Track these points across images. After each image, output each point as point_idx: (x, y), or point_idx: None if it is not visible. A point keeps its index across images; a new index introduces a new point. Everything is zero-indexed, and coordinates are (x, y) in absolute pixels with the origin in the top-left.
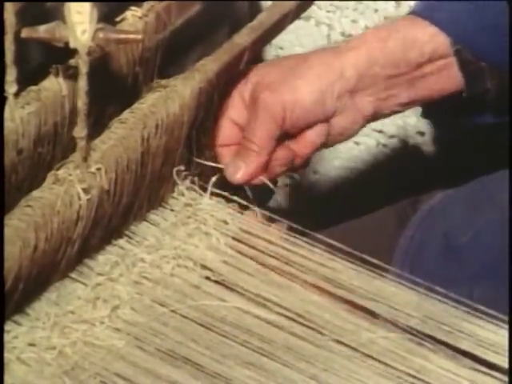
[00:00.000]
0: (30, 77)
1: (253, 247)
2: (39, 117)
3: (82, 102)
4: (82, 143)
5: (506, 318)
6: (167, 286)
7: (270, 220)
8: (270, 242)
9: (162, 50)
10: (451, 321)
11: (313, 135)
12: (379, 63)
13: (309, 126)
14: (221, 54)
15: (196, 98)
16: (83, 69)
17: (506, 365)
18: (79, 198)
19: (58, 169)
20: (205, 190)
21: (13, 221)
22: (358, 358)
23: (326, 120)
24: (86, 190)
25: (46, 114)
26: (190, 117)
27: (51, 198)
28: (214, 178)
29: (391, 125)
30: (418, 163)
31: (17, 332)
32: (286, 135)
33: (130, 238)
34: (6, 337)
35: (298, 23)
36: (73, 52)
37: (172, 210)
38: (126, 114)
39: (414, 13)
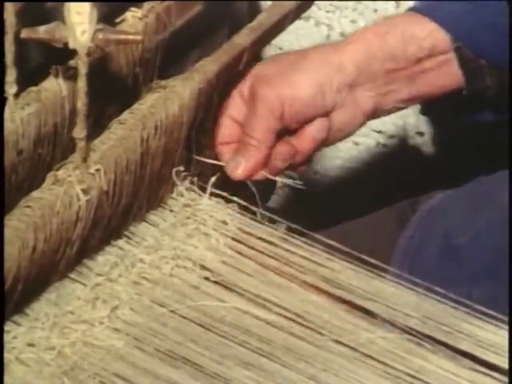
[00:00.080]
0: (29, 77)
1: (252, 248)
2: (39, 117)
3: (81, 103)
4: (81, 144)
5: (505, 318)
6: (166, 287)
7: (270, 220)
8: (269, 242)
9: (161, 50)
10: (450, 321)
11: (313, 130)
12: (378, 57)
13: (308, 121)
14: (220, 55)
15: (195, 99)
16: (83, 69)
17: (505, 365)
18: (78, 199)
19: (57, 169)
20: (204, 190)
21: (12, 221)
22: (357, 358)
23: (326, 114)
24: (85, 191)
25: (45, 114)
26: (190, 117)
27: (50, 199)
28: (213, 179)
29: (391, 125)
30: (418, 163)
31: (16, 332)
32: (286, 130)
33: (129, 238)
34: (6, 337)
35: (297, 23)
36: (72, 53)
37: (171, 211)
38: (125, 115)
39: (413, 10)
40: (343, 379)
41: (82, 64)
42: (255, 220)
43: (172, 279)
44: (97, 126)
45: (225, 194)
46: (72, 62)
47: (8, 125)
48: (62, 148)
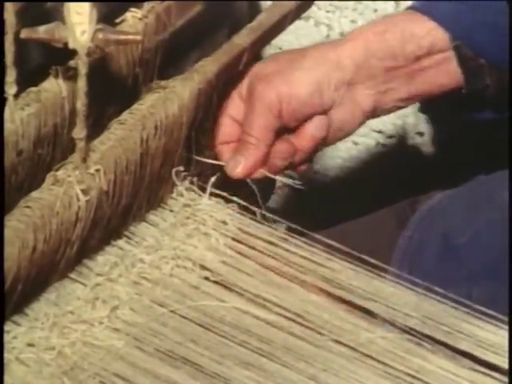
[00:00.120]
0: (29, 78)
1: (252, 248)
2: (39, 118)
3: (81, 103)
4: (81, 144)
5: (505, 318)
6: (166, 287)
7: (270, 220)
8: (269, 242)
9: (161, 51)
10: (450, 321)
11: (312, 128)
12: (376, 55)
13: (307, 119)
14: (220, 55)
15: (195, 99)
16: (82, 70)
17: (505, 365)
18: (78, 199)
19: (57, 170)
20: (204, 190)
21: (12, 222)
22: (357, 358)
23: (324, 112)
24: (85, 191)
25: (45, 115)
26: (189, 118)
27: (50, 199)
28: (213, 179)
29: (390, 125)
30: (417, 163)
31: (16, 332)
32: (285, 129)
33: (129, 238)
34: (6, 337)
35: (297, 23)
36: (72, 53)
37: (171, 211)
38: (125, 115)
39: (412, 8)
40: (343, 379)
41: (81, 64)
42: (255, 220)
43: (172, 279)
44: (96, 127)
45: (224, 194)
46: (72, 63)
47: (8, 125)
48: (62, 148)
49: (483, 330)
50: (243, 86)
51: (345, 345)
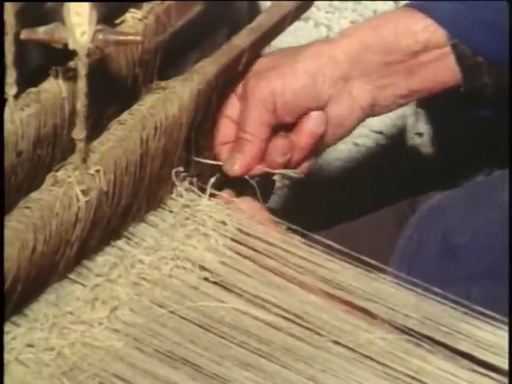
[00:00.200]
0: (29, 78)
1: (251, 248)
2: (39, 119)
3: (81, 104)
4: (80, 145)
5: (504, 319)
6: (166, 287)
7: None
8: (268, 243)
9: (161, 51)
10: (449, 322)
11: (310, 123)
12: (371, 49)
13: (303, 113)
14: (219, 56)
15: (195, 100)
16: (82, 70)
17: (504, 366)
18: (78, 200)
19: (56, 170)
20: (203, 191)
21: (11, 222)
22: (357, 358)
23: (321, 107)
24: (84, 192)
25: (45, 115)
26: (189, 118)
27: (50, 200)
28: (212, 179)
29: (390, 126)
30: (417, 164)
31: (15, 333)
32: (283, 125)
33: (128, 239)
34: (5, 338)
35: (296, 24)
36: (72, 54)
37: (171, 212)
38: (124, 116)
39: (408, 5)
40: (342, 380)
41: (81, 65)
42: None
43: (171, 280)
44: (96, 127)
45: (224, 194)
46: (72, 63)
47: (8, 126)
48: (62, 149)
49: (482, 330)
50: (240, 87)
51: (344, 345)
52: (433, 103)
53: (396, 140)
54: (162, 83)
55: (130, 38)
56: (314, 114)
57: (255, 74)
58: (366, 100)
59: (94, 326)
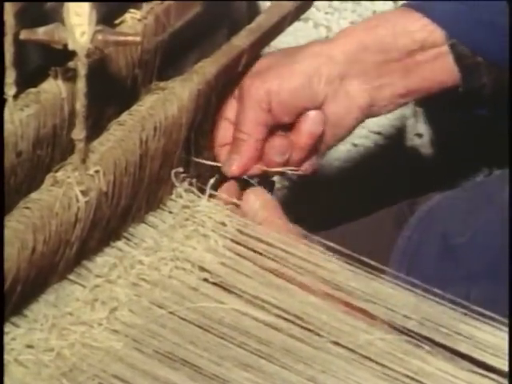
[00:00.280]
0: (29, 79)
1: (251, 249)
2: (38, 119)
3: (80, 104)
4: (80, 145)
5: (504, 320)
6: (165, 288)
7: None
8: (267, 243)
9: (161, 52)
10: (449, 323)
11: (308, 123)
12: (368, 49)
13: (299, 113)
14: (219, 56)
15: (194, 100)
16: (82, 71)
17: (504, 367)
18: (77, 200)
19: (56, 171)
20: (203, 192)
21: (11, 222)
22: (356, 359)
23: (318, 107)
24: (84, 192)
25: (45, 116)
26: (189, 119)
27: (49, 200)
28: (212, 180)
29: (389, 126)
30: (416, 165)
31: (15, 334)
32: (281, 126)
33: (128, 239)
34: (5, 339)
35: (296, 25)
36: (72, 54)
37: (170, 212)
38: (124, 116)
39: (406, 5)
40: (342, 381)
41: (81, 65)
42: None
43: (171, 281)
44: (96, 128)
45: (224, 195)
46: (71, 64)
47: (7, 126)
48: (61, 149)
49: (482, 331)
50: (237, 88)
51: (343, 346)
52: (432, 103)
53: (395, 141)
54: (162, 84)
55: (130, 38)
56: (312, 114)
57: (251, 75)
58: (363, 99)
59: (93, 326)
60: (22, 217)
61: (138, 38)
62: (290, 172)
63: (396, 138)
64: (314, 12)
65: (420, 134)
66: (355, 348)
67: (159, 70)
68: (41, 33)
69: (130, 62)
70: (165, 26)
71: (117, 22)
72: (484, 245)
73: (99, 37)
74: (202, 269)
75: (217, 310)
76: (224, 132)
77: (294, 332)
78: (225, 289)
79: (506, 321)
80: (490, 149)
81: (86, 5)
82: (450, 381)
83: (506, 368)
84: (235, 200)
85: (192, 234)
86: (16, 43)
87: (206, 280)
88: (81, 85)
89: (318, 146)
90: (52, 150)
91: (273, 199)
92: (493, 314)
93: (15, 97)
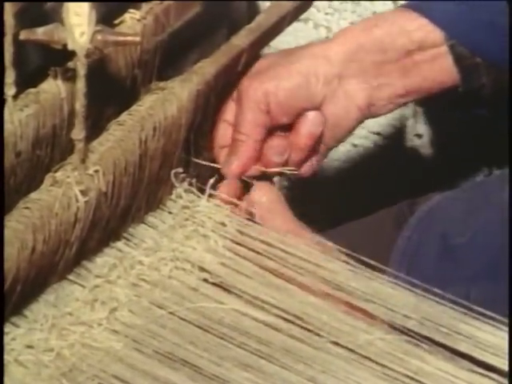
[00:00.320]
0: (28, 79)
1: (251, 249)
2: (38, 119)
3: (80, 104)
4: (79, 145)
5: (504, 319)
6: (165, 289)
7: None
8: (267, 244)
9: (160, 52)
10: (449, 322)
11: (307, 123)
12: (366, 49)
13: (298, 113)
14: (219, 56)
15: (194, 101)
16: (81, 71)
17: (504, 367)
18: (77, 200)
19: (56, 171)
20: (202, 192)
21: (11, 222)
22: (356, 359)
23: (316, 107)
24: (83, 192)
25: (44, 116)
26: (188, 119)
27: (49, 200)
28: (211, 180)
29: (389, 127)
30: (416, 165)
31: (15, 334)
32: (280, 127)
33: (127, 240)
34: (4, 339)
35: (296, 25)
36: (71, 54)
37: (170, 213)
38: (123, 116)
39: (404, 6)
40: (342, 381)
41: (80, 65)
42: (254, 221)
43: (171, 281)
44: (95, 128)
45: (223, 195)
46: (71, 64)
47: (7, 126)
48: (61, 150)
49: (482, 331)
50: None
51: (343, 346)
52: (432, 103)
53: (395, 141)
54: (161, 84)
55: (129, 38)
56: (312, 115)
57: (249, 76)
58: (361, 99)
59: (93, 326)
60: (22, 217)
61: (137, 38)
62: (288, 172)
63: (396, 138)
64: (314, 13)
65: (420, 134)
66: (355, 348)
67: (159, 70)
68: (40, 33)
69: (129, 62)
70: (164, 26)
71: (116, 22)
72: (484, 245)
73: (99, 37)
74: (202, 269)
75: (217, 311)
76: (223, 134)
77: (294, 332)
78: (225, 289)
79: (506, 320)
80: (489, 149)
81: (86, 5)
82: (450, 380)
83: (506, 368)
84: (235, 200)
85: (192, 234)
86: (15, 43)
87: (205, 280)
88: (80, 85)
89: (317, 147)
90: (51, 150)
91: (280, 194)
92: (493, 314)
93: (15, 97)
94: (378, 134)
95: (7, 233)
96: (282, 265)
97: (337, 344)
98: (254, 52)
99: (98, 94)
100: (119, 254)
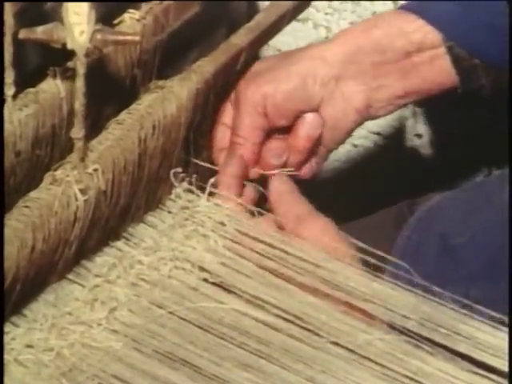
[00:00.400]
0: (27, 79)
1: (250, 249)
2: (37, 119)
3: (79, 104)
4: (79, 144)
5: (504, 319)
6: (165, 288)
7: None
8: (267, 243)
9: (160, 51)
10: (449, 323)
11: (305, 125)
12: (364, 50)
13: (295, 115)
14: (218, 55)
15: (193, 99)
16: (81, 70)
17: (504, 367)
18: (76, 199)
19: (55, 169)
20: (202, 191)
21: (11, 221)
22: (355, 359)
23: (314, 109)
24: (83, 191)
25: (43, 116)
26: (187, 118)
27: (49, 199)
28: (211, 180)
29: (389, 127)
30: (416, 165)
31: (14, 333)
32: (279, 129)
33: (127, 239)
34: (4, 338)
35: (296, 25)
36: (71, 53)
37: (169, 212)
38: (123, 115)
39: (402, 8)
40: (341, 381)
41: (80, 64)
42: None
43: (170, 281)
44: (95, 127)
45: (224, 194)
46: (70, 63)
47: (6, 126)
48: (60, 149)
49: (482, 331)
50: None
51: (343, 346)
52: (431, 104)
53: (395, 141)
54: (160, 82)
55: (129, 37)
56: (310, 117)
57: (247, 79)
58: (359, 101)
59: (92, 326)
60: (22, 215)
61: (136, 38)
62: (287, 174)
63: (395, 138)
64: (314, 13)
65: (419, 134)
66: (354, 348)
67: (158, 69)
68: (39, 32)
69: (128, 61)
70: (164, 25)
71: (115, 22)
72: (483, 245)
73: (98, 36)
74: (202, 269)
75: (216, 310)
76: (221, 137)
77: (294, 332)
78: (224, 289)
79: (506, 321)
80: (489, 149)
81: (85, 4)
82: (449, 381)
83: (505, 368)
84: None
85: (191, 233)
86: (15, 43)
87: (205, 280)
88: (80, 84)
89: (316, 149)
90: (51, 149)
91: (294, 188)
92: (493, 314)
93: (14, 97)
94: (378, 134)
95: (7, 232)
96: (281, 265)
97: (336, 344)
98: (253, 51)
99: (97, 93)
100: (119, 253)
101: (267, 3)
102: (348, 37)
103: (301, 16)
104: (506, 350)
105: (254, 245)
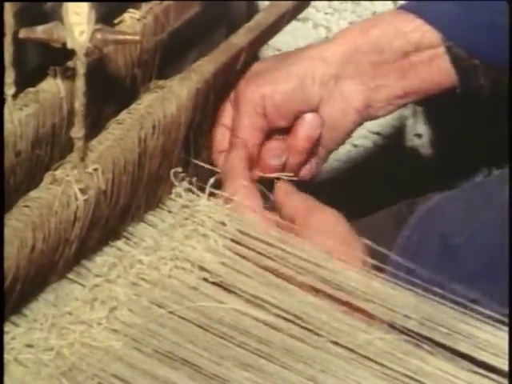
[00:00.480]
0: (27, 78)
1: (251, 249)
2: (37, 119)
3: (79, 103)
4: (79, 143)
5: (504, 319)
6: (165, 288)
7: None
8: (267, 243)
9: (160, 51)
10: (449, 322)
11: (305, 126)
12: (363, 50)
13: (295, 116)
14: (218, 55)
15: (193, 99)
16: (81, 69)
17: (504, 367)
18: (76, 199)
19: (55, 169)
20: (202, 191)
21: (11, 221)
22: (355, 359)
23: (313, 109)
24: (83, 191)
25: (44, 115)
26: (187, 118)
27: (49, 199)
28: (211, 180)
29: (389, 127)
30: (416, 165)
31: (14, 333)
32: (278, 130)
33: (127, 239)
34: (4, 338)
35: (295, 25)
36: (71, 53)
37: (170, 212)
38: (123, 115)
39: (401, 8)
40: (341, 380)
41: (80, 64)
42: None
43: (170, 280)
44: (95, 127)
45: (224, 194)
46: (70, 63)
47: (6, 126)
48: (60, 149)
49: (482, 331)
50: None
51: (343, 346)
52: (431, 103)
53: (395, 141)
54: (160, 82)
55: (129, 37)
56: (309, 117)
57: (246, 80)
58: (358, 101)
59: (92, 326)
60: (22, 215)
61: (137, 37)
62: (284, 177)
63: (395, 138)
64: (314, 12)
65: (419, 134)
66: (355, 348)
67: (158, 69)
68: (39, 31)
69: (129, 61)
70: (164, 25)
71: (116, 21)
72: (483, 245)
73: (98, 36)
74: (202, 268)
75: (216, 310)
76: (221, 138)
77: (294, 332)
78: (224, 288)
79: (506, 320)
80: (489, 149)
81: (85, 4)
82: (449, 381)
83: (506, 368)
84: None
85: (192, 233)
86: (15, 43)
87: (205, 279)
88: (80, 84)
89: (315, 150)
90: (51, 149)
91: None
92: (492, 314)
93: (14, 96)
94: (378, 133)
95: (7, 231)
96: (282, 264)
97: (336, 343)
98: (252, 51)
99: (97, 92)
100: (119, 252)
101: (267, 3)
102: (347, 37)
103: (301, 16)
104: (506, 350)
105: (255, 244)
